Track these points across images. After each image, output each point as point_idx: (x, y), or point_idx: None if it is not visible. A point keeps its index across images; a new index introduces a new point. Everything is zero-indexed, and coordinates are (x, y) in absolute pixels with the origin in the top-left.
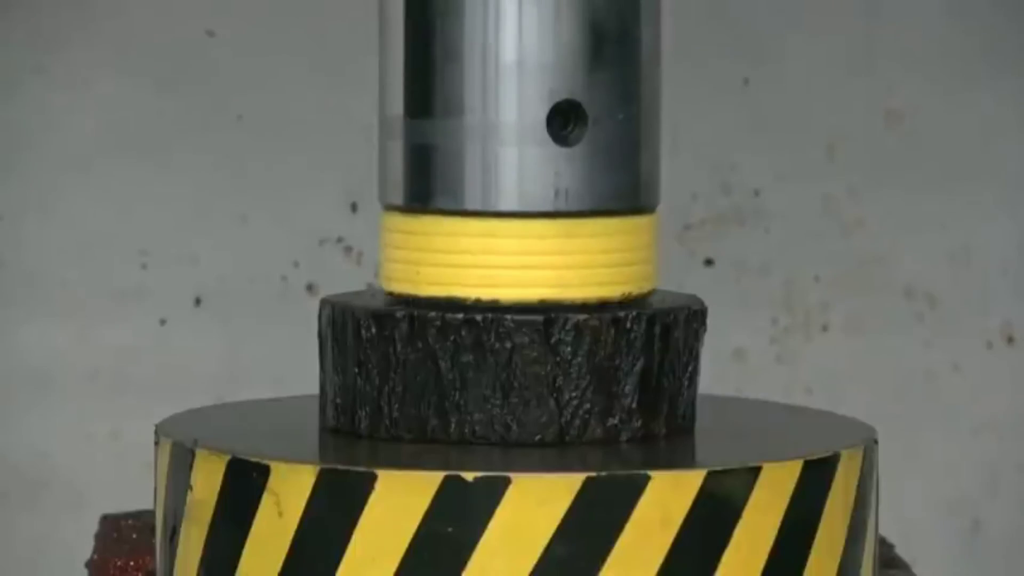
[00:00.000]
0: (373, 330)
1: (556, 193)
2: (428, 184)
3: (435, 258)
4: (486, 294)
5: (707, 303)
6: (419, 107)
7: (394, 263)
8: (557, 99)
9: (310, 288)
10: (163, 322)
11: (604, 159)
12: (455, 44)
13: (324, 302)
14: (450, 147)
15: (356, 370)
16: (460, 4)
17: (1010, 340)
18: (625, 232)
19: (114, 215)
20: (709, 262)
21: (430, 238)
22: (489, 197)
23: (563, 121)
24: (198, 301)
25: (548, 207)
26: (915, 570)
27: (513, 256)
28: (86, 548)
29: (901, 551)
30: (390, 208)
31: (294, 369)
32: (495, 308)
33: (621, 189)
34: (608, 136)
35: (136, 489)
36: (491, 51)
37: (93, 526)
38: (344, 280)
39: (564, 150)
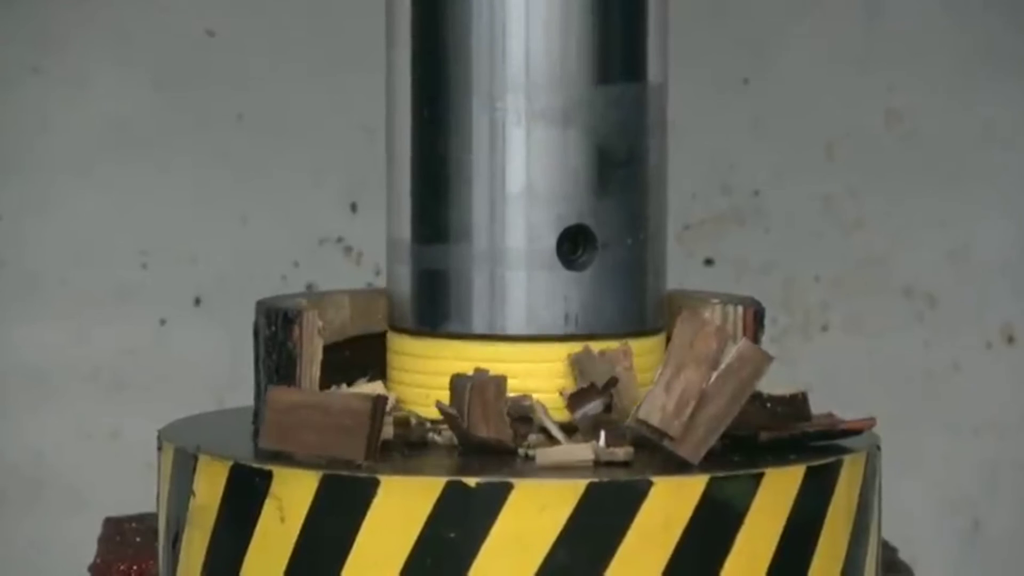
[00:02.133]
0: (272, 328)
1: (566, 318)
2: (437, 308)
3: (444, 381)
4: None
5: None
6: (427, 232)
7: (402, 385)
8: (566, 224)
9: (310, 288)
10: (163, 322)
11: (613, 283)
12: (464, 171)
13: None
14: (459, 272)
15: (258, 366)
16: (468, 131)
17: (1010, 340)
18: (634, 355)
19: (114, 215)
20: (709, 262)
21: (439, 361)
22: (498, 321)
23: (572, 246)
24: (198, 301)
25: (558, 331)
26: (915, 570)
27: (522, 380)
28: (85, 548)
29: (901, 551)
30: (398, 330)
31: None
32: None
33: (630, 313)
34: (617, 260)
35: (136, 489)
36: (499, 177)
37: (92, 526)
38: (344, 280)
39: (573, 274)
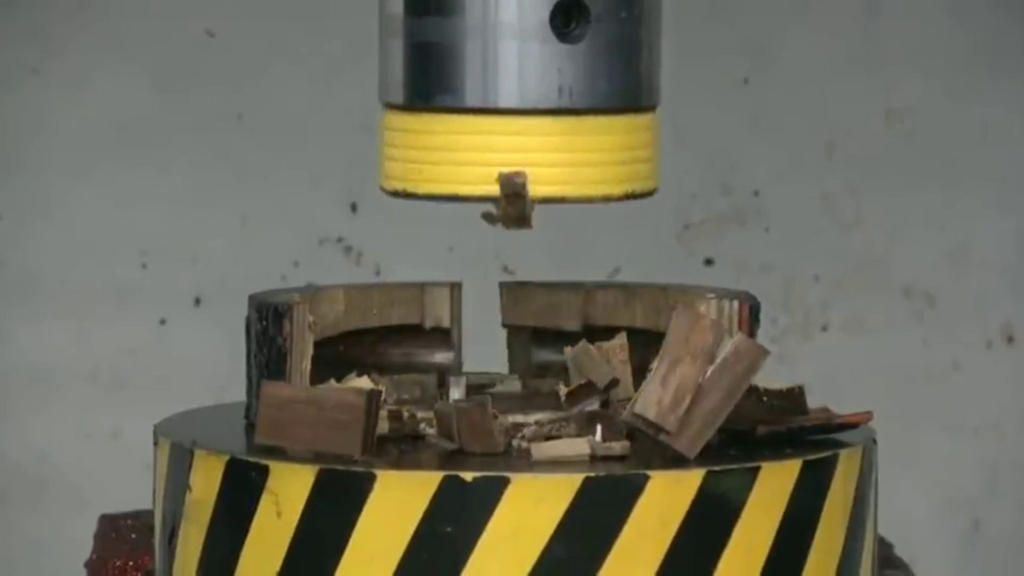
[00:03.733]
0: (263, 323)
1: (560, 91)
2: (428, 82)
3: (435, 156)
4: (486, 191)
5: None
6: (419, 5)
7: (393, 161)
8: None
9: None
10: (163, 322)
11: (607, 57)
12: None
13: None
14: (451, 45)
15: (250, 361)
16: None
17: (1010, 340)
18: (628, 130)
19: (114, 215)
20: (709, 262)
21: (432, 136)
22: (490, 94)
23: (566, 18)
24: (198, 301)
25: (551, 104)
26: (915, 570)
27: (515, 153)
28: (86, 548)
29: (901, 551)
30: (390, 107)
31: None
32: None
33: (624, 87)
34: (611, 34)
35: (136, 489)
36: None
37: (93, 526)
38: (344, 280)
39: (567, 48)
